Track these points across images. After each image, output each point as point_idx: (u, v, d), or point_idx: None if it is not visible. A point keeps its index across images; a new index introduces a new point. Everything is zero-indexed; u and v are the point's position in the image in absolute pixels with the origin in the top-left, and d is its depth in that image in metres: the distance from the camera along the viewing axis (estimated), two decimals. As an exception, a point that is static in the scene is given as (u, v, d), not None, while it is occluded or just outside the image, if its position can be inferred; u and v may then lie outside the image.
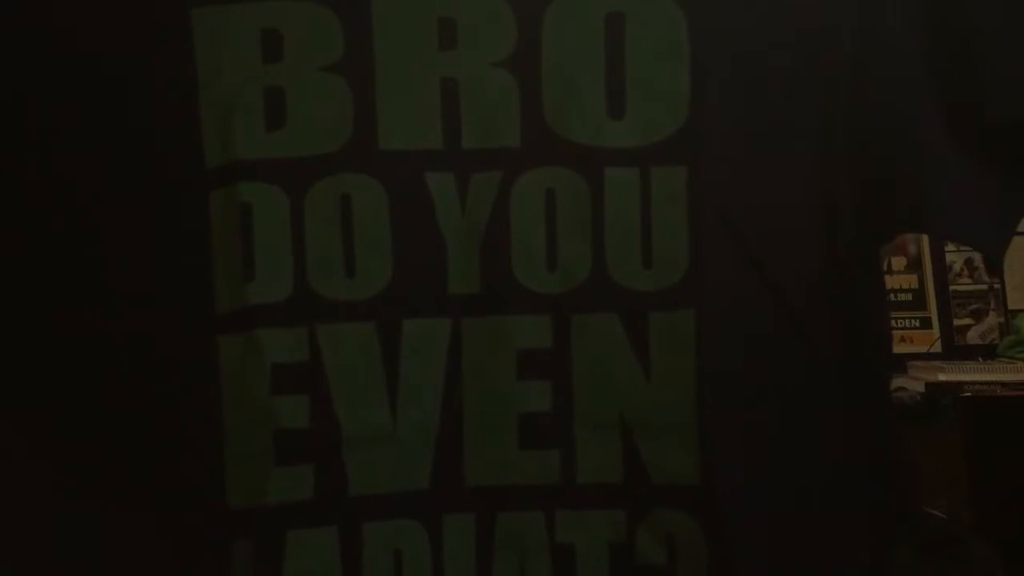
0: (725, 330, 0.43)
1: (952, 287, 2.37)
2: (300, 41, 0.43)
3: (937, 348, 2.32)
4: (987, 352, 2.27)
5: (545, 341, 0.43)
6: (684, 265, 0.43)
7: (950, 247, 2.39)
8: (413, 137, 0.43)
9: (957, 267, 2.38)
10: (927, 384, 2.03)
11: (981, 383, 1.95)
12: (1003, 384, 1.93)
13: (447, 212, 0.43)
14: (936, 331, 2.34)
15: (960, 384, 1.95)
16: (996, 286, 2.36)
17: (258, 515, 0.42)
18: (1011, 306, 2.35)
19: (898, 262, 2.37)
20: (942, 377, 2.00)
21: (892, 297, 2.35)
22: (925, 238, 2.38)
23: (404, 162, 0.43)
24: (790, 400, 0.46)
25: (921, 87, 0.47)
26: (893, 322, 2.34)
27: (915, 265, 2.38)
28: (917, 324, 2.35)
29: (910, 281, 2.37)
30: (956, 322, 2.35)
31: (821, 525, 0.47)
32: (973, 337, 2.34)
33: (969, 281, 2.38)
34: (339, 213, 0.42)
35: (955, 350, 2.31)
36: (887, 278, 2.35)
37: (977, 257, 2.38)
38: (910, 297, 2.36)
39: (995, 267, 2.21)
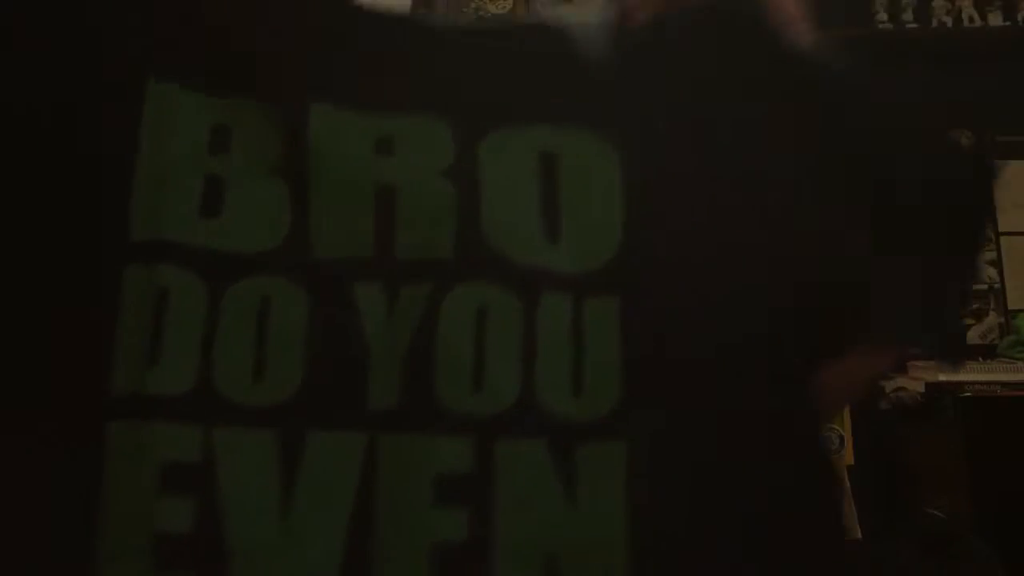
0: (657, 464, 0.41)
1: (952, 287, 2.37)
2: (247, 139, 0.42)
3: (937, 348, 2.32)
4: (987, 352, 2.27)
5: (465, 466, 0.40)
6: (616, 396, 0.41)
7: (950, 247, 2.39)
8: (345, 245, 0.42)
9: (957, 267, 2.39)
10: (927, 384, 2.03)
11: (981, 383, 1.95)
12: (1003, 384, 1.94)
13: (373, 323, 0.41)
14: (936, 331, 2.34)
15: (960, 384, 1.96)
16: (996, 286, 2.37)
17: None
18: (1011, 306, 2.35)
19: (898, 262, 2.38)
20: (942, 377, 2.00)
21: (892, 297, 2.35)
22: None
23: (333, 270, 0.42)
24: (726, 535, 0.43)
25: (860, 192, 0.46)
26: (893, 322, 2.34)
27: (915, 265, 2.38)
28: (917, 324, 2.35)
29: (910, 281, 2.37)
30: (956, 322, 2.35)
31: None
32: (973, 337, 2.34)
33: (969, 281, 2.38)
34: (256, 314, 0.41)
35: (955, 350, 2.31)
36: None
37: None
38: (910, 297, 2.36)
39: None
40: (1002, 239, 2.39)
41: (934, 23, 2.41)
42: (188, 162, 0.42)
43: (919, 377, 2.08)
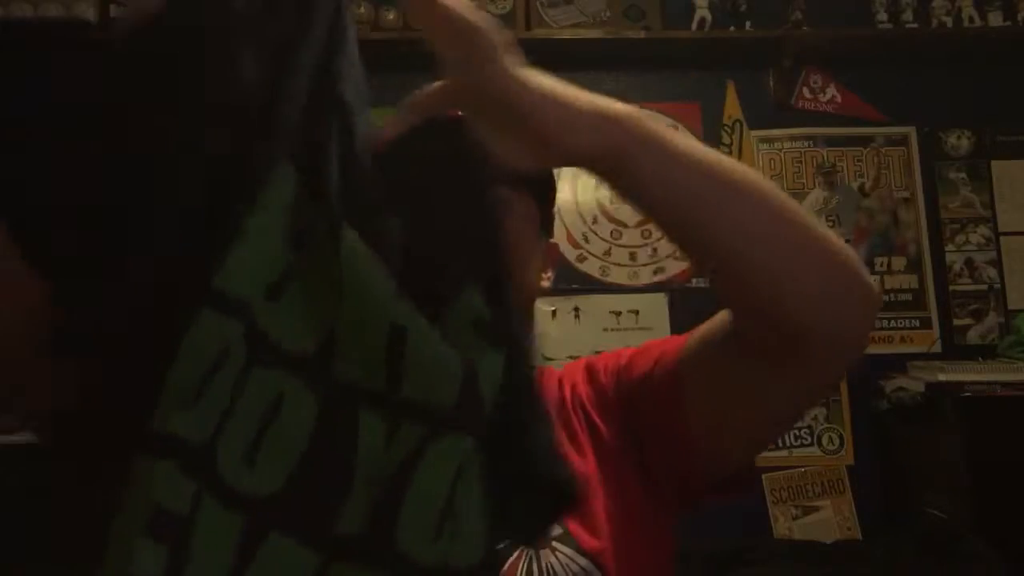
0: None
1: (952, 287, 2.37)
2: (323, 247, 0.45)
3: (937, 348, 2.32)
4: (987, 352, 2.27)
5: None
6: (481, 547, 0.44)
7: (950, 247, 2.39)
8: (361, 374, 0.44)
9: (957, 267, 2.39)
10: (927, 384, 2.03)
11: (981, 383, 1.95)
12: (1003, 384, 1.93)
13: (367, 450, 0.43)
14: (936, 331, 2.34)
15: (960, 384, 1.96)
16: (996, 286, 2.37)
17: None
18: (1011, 306, 2.35)
19: (898, 262, 2.38)
20: (942, 377, 2.00)
21: (892, 297, 2.35)
22: (925, 238, 2.39)
23: (347, 392, 0.44)
24: None
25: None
26: (893, 322, 2.34)
27: (915, 265, 2.38)
28: (917, 324, 2.35)
29: (910, 281, 2.37)
30: (956, 322, 2.35)
31: None
32: (973, 337, 2.34)
33: (969, 281, 2.38)
34: (267, 407, 0.43)
35: (955, 350, 2.31)
36: (887, 278, 2.36)
37: (977, 257, 2.39)
38: (910, 297, 2.36)
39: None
40: (1002, 239, 2.40)
41: (934, 23, 2.41)
42: (281, 243, 0.44)
43: (919, 377, 2.08)
